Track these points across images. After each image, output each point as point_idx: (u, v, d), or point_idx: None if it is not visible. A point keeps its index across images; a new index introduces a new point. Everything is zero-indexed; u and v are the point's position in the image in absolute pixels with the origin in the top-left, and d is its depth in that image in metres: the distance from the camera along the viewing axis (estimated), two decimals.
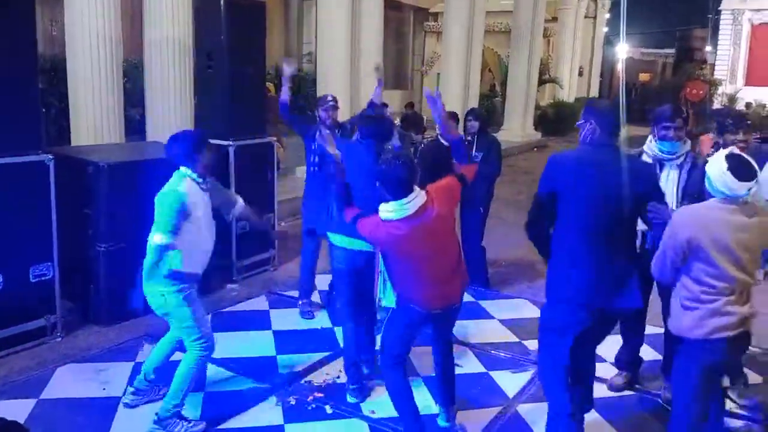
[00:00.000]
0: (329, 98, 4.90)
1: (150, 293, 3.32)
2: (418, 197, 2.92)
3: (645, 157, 3.56)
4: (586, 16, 24.84)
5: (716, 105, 18.30)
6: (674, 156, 3.47)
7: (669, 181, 3.46)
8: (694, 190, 3.27)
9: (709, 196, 2.75)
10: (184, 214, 3.18)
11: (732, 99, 20.46)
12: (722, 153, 2.76)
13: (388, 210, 2.92)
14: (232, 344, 4.32)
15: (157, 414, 3.34)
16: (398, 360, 3.26)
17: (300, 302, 5.03)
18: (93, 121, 6.52)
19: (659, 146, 3.50)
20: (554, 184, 2.88)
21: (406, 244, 2.94)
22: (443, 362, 3.46)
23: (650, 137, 3.59)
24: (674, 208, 3.19)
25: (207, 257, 3.41)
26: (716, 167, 2.67)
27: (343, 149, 3.61)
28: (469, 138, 5.54)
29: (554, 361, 2.94)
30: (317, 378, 4.01)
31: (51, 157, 4.22)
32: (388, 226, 2.92)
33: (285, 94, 4.86)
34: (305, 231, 5.03)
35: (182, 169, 3.31)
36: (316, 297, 5.25)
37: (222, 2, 5.65)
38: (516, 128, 17.00)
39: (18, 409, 3.45)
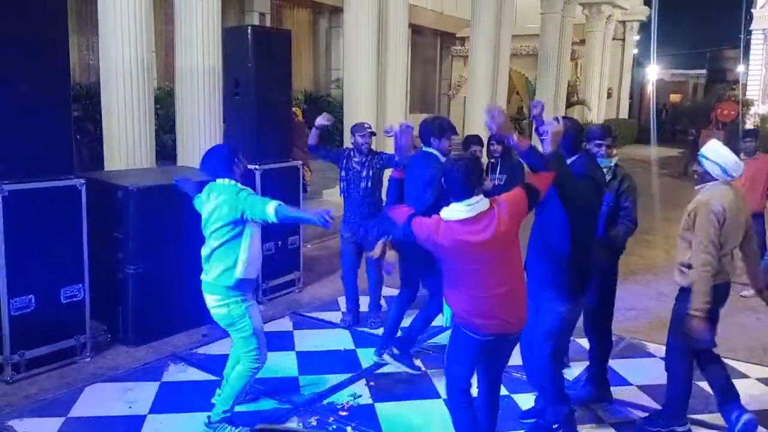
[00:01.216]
0: (366, 125, 5.12)
1: (214, 304, 3.44)
2: (480, 203, 2.83)
3: None
4: (614, 39, 24.75)
5: (748, 125, 17.98)
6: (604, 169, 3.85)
7: None
8: (612, 197, 3.87)
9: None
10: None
11: (764, 119, 20.06)
12: (719, 143, 3.60)
13: (449, 210, 2.87)
14: None
15: (208, 417, 3.51)
16: (463, 394, 3.10)
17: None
18: (125, 146, 6.70)
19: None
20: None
21: (462, 248, 2.82)
22: (488, 395, 3.21)
23: None
24: None
25: (260, 263, 3.55)
26: (731, 156, 3.50)
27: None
28: (492, 161, 5.57)
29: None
30: (339, 399, 4.03)
31: (83, 181, 4.36)
32: (447, 225, 2.83)
33: (313, 139, 5.10)
34: (344, 245, 5.27)
35: (225, 180, 3.43)
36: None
37: (249, 31, 5.82)
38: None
39: (47, 427, 3.54)
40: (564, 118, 3.44)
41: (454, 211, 2.84)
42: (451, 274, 2.97)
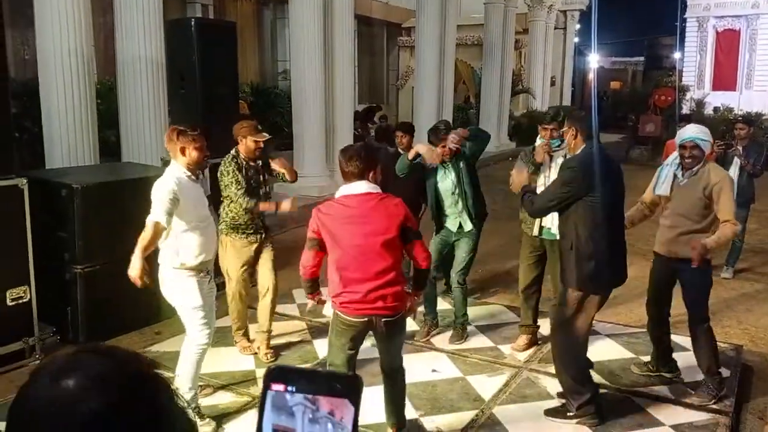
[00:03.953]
0: (260, 127, 4.52)
1: (161, 282, 3.57)
2: (367, 186, 3.05)
3: None
4: (556, 28, 25.24)
5: (685, 110, 18.67)
6: (559, 149, 4.31)
7: (556, 166, 4.22)
8: None
9: None
10: (175, 201, 3.40)
11: (700, 104, 20.89)
12: (694, 125, 4.01)
13: (345, 187, 3.12)
14: (212, 358, 4.34)
15: None
16: (345, 367, 3.22)
17: None
18: (67, 144, 6.53)
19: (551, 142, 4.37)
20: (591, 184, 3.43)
21: (338, 217, 3.04)
22: (385, 383, 3.39)
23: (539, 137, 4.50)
24: None
25: (210, 245, 3.59)
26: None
27: None
28: None
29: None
30: None
31: (25, 180, 4.25)
32: (337, 200, 3.11)
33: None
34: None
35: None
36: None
37: (193, 23, 5.75)
38: (491, 138, 17.23)
39: None
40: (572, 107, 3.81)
41: (350, 187, 3.08)
42: (331, 252, 3.10)
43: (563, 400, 3.78)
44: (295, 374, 0.81)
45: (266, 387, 0.80)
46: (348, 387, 0.79)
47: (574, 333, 3.61)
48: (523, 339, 4.67)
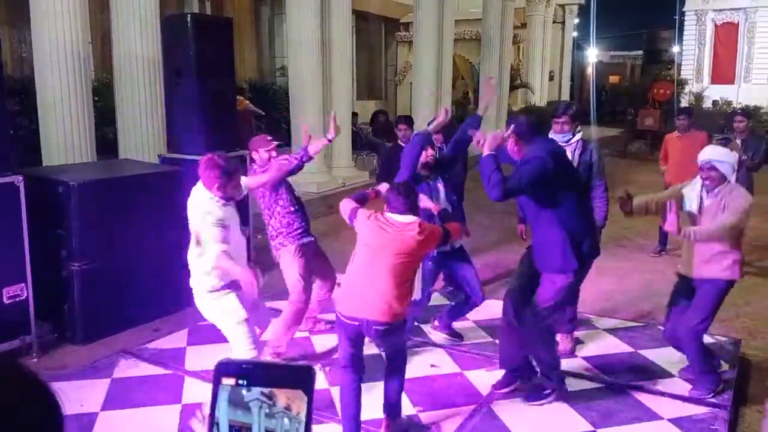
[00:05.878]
0: (269, 138, 4.70)
1: (200, 307, 3.58)
2: (413, 218, 3.27)
3: None
4: (554, 22, 25.18)
5: (683, 104, 18.63)
6: (567, 143, 4.24)
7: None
8: (586, 165, 4.27)
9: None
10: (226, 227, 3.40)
11: (698, 97, 20.82)
12: (715, 146, 3.92)
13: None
14: (213, 356, 4.34)
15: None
16: (347, 363, 3.34)
17: None
18: (64, 141, 6.51)
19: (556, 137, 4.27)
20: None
21: (379, 222, 3.25)
22: (386, 368, 3.45)
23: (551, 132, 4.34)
24: None
25: (242, 263, 3.56)
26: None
27: None
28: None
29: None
30: None
31: (21, 177, 4.23)
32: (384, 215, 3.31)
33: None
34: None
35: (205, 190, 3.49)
36: None
37: (189, 19, 5.73)
38: (490, 134, 17.18)
39: None
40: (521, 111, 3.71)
41: (400, 216, 3.28)
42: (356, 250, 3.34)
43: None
44: (245, 367, 0.79)
45: (217, 381, 0.78)
46: (299, 377, 0.78)
47: (555, 313, 3.73)
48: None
